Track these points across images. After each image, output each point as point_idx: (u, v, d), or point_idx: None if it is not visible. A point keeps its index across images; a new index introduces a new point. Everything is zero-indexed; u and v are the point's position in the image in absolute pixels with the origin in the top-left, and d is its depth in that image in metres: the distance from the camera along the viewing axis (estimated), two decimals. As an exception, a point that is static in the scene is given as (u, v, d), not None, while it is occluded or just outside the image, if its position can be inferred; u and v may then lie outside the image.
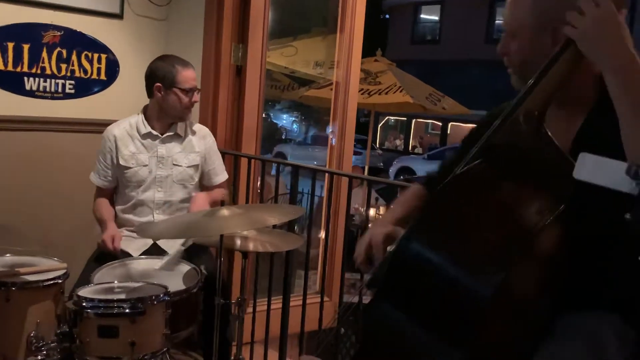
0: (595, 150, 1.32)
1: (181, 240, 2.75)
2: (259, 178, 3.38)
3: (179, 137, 2.82)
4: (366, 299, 2.50)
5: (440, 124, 22.26)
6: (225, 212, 2.21)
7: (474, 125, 1.72)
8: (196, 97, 2.80)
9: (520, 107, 1.36)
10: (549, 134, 1.32)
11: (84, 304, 2.04)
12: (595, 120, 1.37)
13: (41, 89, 3.25)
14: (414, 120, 22.96)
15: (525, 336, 1.28)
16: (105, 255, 2.67)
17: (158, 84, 2.72)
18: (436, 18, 22.99)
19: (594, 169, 1.06)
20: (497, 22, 21.06)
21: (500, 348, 1.22)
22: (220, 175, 2.98)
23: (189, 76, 2.76)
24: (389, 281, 1.25)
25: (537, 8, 1.40)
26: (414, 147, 22.52)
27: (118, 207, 2.82)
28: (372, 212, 6.23)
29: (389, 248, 1.43)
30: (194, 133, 2.88)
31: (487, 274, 1.15)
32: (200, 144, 2.87)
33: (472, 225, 1.23)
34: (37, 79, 3.23)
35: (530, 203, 1.24)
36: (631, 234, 1.27)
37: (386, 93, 6.81)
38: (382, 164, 18.00)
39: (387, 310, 1.28)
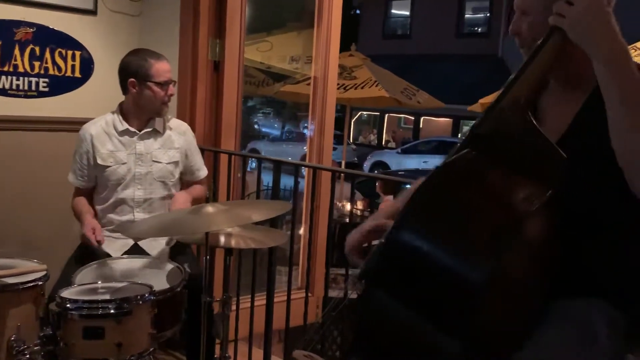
0: (589, 134, 1.34)
1: (164, 240, 2.72)
2: (240, 174, 3.35)
3: (157, 133, 2.77)
4: (351, 295, 2.49)
5: (412, 118, 22.37)
6: (210, 209, 2.18)
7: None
8: (172, 89, 2.74)
9: (507, 96, 1.37)
10: (534, 121, 1.34)
11: (67, 305, 2.00)
12: (594, 104, 1.38)
13: (14, 87, 3.17)
14: (386, 115, 23.04)
15: (520, 322, 1.29)
16: (86, 255, 2.62)
17: (132, 79, 2.66)
18: (407, 13, 23.08)
19: None
20: (466, 16, 21.25)
21: (497, 335, 1.23)
22: (203, 170, 2.96)
23: (163, 69, 2.69)
24: (381, 270, 1.26)
25: None
26: (387, 142, 22.58)
27: (98, 207, 2.76)
28: (349, 206, 6.23)
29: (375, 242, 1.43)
30: (171, 129, 2.83)
31: (479, 261, 1.17)
32: (180, 139, 2.83)
33: (462, 213, 1.25)
34: (9, 77, 3.15)
35: (518, 190, 1.26)
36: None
37: (362, 88, 6.84)
38: (356, 159, 18.00)
39: (381, 298, 1.28)
